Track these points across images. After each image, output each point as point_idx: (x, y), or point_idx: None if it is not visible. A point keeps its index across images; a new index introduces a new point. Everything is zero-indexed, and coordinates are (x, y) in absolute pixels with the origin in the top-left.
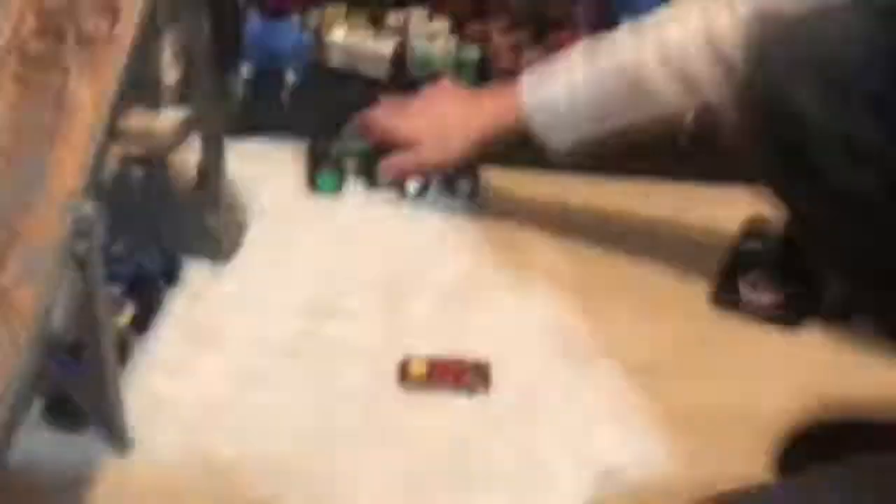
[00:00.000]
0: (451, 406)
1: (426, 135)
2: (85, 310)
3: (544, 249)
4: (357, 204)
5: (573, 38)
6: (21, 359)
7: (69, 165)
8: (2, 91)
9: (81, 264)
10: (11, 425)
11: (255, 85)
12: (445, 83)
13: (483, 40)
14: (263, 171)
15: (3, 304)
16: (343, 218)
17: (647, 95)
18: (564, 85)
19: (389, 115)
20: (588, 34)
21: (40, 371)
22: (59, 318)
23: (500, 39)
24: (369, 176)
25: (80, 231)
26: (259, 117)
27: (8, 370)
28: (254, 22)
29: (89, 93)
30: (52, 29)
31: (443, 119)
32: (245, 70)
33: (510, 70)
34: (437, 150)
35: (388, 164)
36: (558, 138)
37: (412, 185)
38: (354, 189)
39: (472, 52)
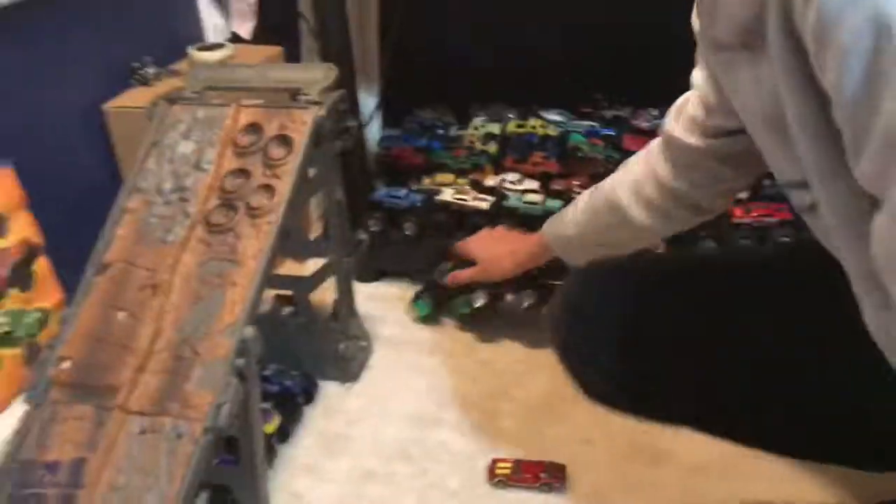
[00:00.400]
0: (532, 502)
1: (483, 257)
2: (242, 413)
3: None
4: (455, 334)
5: None
6: (199, 447)
7: (237, 303)
8: (193, 251)
9: (242, 376)
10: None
11: (380, 237)
12: (501, 228)
13: (567, 193)
14: (385, 307)
15: (187, 405)
16: (446, 344)
17: (631, 222)
18: (571, 222)
19: (463, 244)
20: None
21: (209, 462)
22: (224, 417)
23: (580, 192)
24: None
25: (242, 350)
26: (383, 264)
27: (188, 456)
28: (380, 188)
29: (253, 251)
30: (228, 204)
31: (495, 248)
32: (372, 224)
33: None
34: (489, 269)
35: (453, 276)
36: (574, 259)
37: (479, 301)
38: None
39: (557, 204)
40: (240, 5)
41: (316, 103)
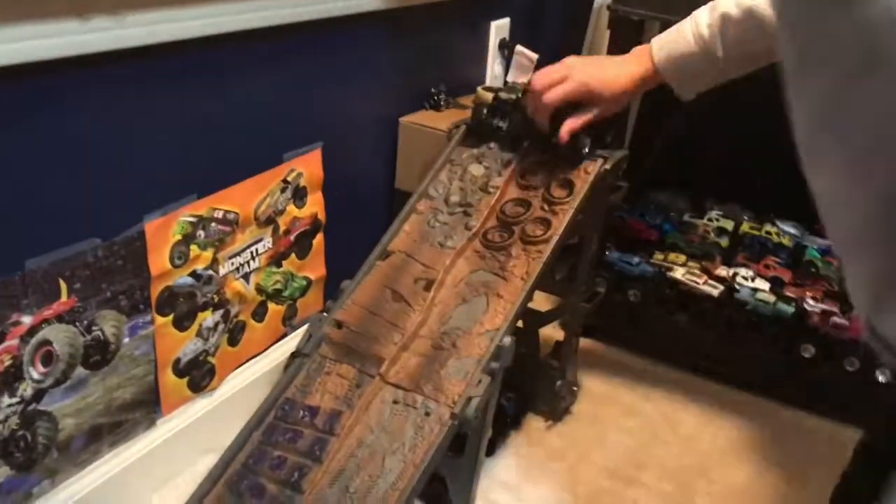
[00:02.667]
0: None
1: (590, 80)
2: (482, 411)
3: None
4: (658, 405)
5: None
6: (444, 428)
7: (500, 313)
8: (468, 259)
9: (492, 376)
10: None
11: (607, 297)
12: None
13: (798, 302)
14: (590, 363)
15: (439, 390)
16: (647, 412)
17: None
18: (691, 41)
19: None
20: None
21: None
22: (472, 409)
23: (813, 305)
24: None
25: (498, 354)
26: (600, 321)
27: (433, 433)
28: (612, 251)
29: (520, 271)
30: (506, 227)
31: (597, 70)
32: (598, 283)
33: (817, 329)
34: (603, 94)
35: (567, 126)
36: (686, 85)
37: (585, 144)
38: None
39: (788, 308)
40: (522, 59)
41: (603, 157)
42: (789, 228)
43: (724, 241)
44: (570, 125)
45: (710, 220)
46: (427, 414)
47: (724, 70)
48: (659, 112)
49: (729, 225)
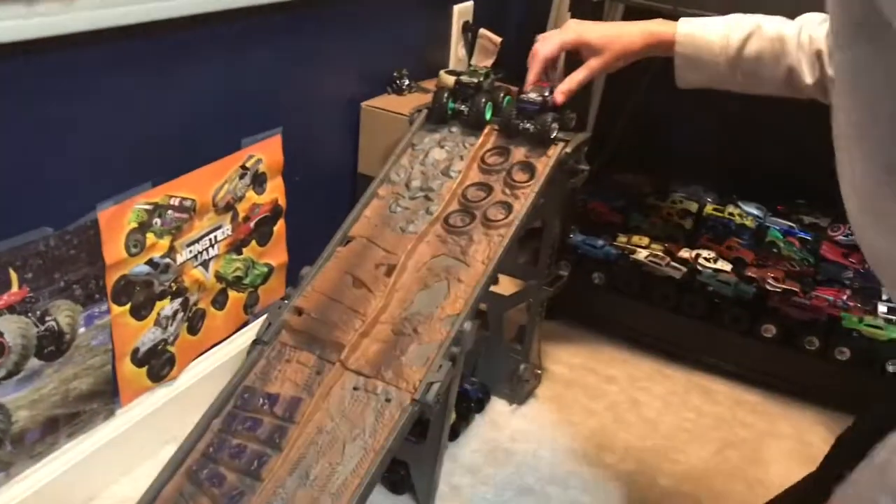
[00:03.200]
0: None
1: (599, 37)
2: (443, 396)
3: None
4: (622, 387)
5: (838, 293)
6: (405, 414)
7: (460, 298)
8: (429, 244)
9: (453, 361)
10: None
11: (570, 280)
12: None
13: (759, 283)
14: (555, 346)
15: (399, 376)
16: (612, 395)
17: (788, 65)
18: (718, 34)
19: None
20: (853, 293)
21: (406, 431)
22: (432, 395)
23: (774, 285)
24: None
25: (458, 339)
26: (562, 305)
27: (393, 420)
28: (576, 234)
29: (482, 256)
30: (468, 212)
31: (616, 25)
32: (562, 266)
33: (778, 309)
34: (612, 45)
35: (568, 83)
36: (688, 72)
37: (553, 129)
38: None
39: (749, 290)
40: (485, 43)
41: (564, 140)
42: (752, 210)
43: (688, 223)
44: (566, 85)
45: (673, 202)
46: (388, 400)
47: (726, 76)
48: (622, 95)
49: (692, 207)
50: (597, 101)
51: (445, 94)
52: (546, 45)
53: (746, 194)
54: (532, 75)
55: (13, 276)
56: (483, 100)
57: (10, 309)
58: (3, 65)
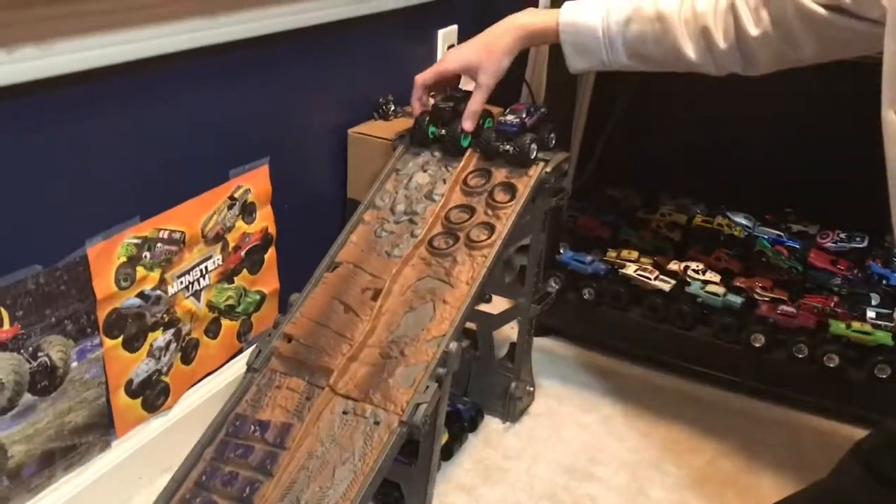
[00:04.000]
0: None
1: (476, 55)
2: (432, 417)
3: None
4: (614, 400)
5: (826, 300)
6: (393, 436)
7: (446, 319)
8: (414, 267)
9: (440, 382)
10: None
11: (558, 296)
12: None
13: (747, 292)
14: (548, 362)
15: (387, 399)
16: (605, 409)
17: (672, 44)
18: (598, 14)
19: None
20: (842, 299)
21: (395, 453)
22: (420, 416)
23: (762, 294)
24: None
25: (444, 360)
26: (554, 321)
27: (382, 442)
28: (565, 251)
29: (466, 277)
30: (451, 234)
31: (487, 35)
32: (552, 283)
33: (766, 318)
34: (487, 63)
35: (464, 119)
36: (575, 57)
37: (532, 150)
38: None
39: (737, 300)
40: None
41: (544, 160)
42: (741, 220)
43: (677, 236)
44: (468, 110)
45: (662, 214)
46: (376, 423)
47: (615, 59)
48: (608, 107)
49: (681, 219)
50: (583, 117)
51: (426, 120)
52: (424, 73)
53: (735, 204)
54: (413, 101)
55: (4, 313)
56: (460, 126)
57: (2, 346)
58: None
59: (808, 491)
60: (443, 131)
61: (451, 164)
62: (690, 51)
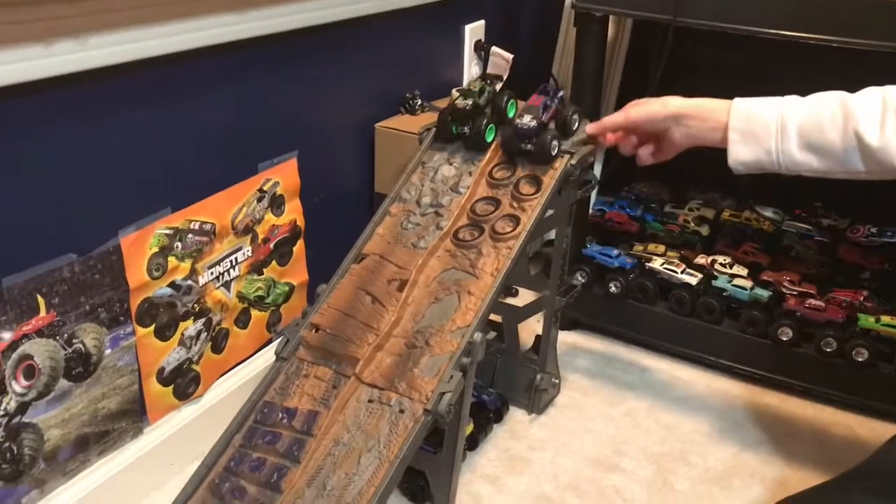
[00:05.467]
0: None
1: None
2: (456, 406)
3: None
4: (639, 393)
5: (855, 294)
6: (418, 424)
7: (471, 310)
8: (439, 258)
9: (464, 372)
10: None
11: (584, 289)
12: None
13: (775, 286)
14: (574, 354)
15: (412, 387)
16: (633, 402)
17: (853, 128)
18: (775, 102)
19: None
20: (871, 293)
21: (419, 441)
22: (444, 405)
23: (790, 287)
24: None
25: (469, 350)
26: (580, 314)
27: (407, 430)
28: (592, 244)
29: (491, 268)
30: (476, 226)
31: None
32: (579, 276)
33: (794, 312)
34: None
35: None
36: (742, 152)
37: (553, 146)
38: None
39: (764, 293)
40: (498, 60)
41: (569, 153)
42: (769, 214)
43: (705, 230)
44: (598, 122)
45: (690, 209)
46: (401, 411)
47: (784, 151)
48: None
49: (709, 213)
50: (611, 109)
51: (449, 117)
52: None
53: (764, 199)
54: (608, 119)
55: (41, 301)
56: (484, 122)
57: (39, 333)
58: (26, 101)
59: (854, 469)
60: (465, 129)
61: (477, 156)
62: (874, 136)
